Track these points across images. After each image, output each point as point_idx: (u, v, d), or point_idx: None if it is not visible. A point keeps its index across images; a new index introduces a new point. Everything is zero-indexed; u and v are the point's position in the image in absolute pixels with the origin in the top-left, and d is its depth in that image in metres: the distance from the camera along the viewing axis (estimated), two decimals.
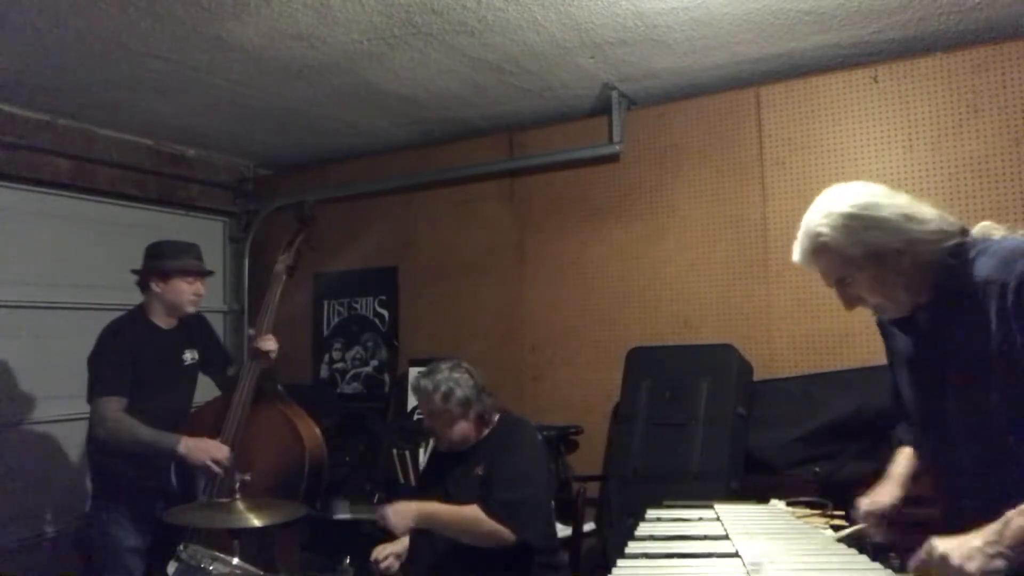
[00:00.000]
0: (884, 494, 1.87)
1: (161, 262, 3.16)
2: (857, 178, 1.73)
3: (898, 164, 3.52)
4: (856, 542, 1.80)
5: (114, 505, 3.08)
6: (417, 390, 2.74)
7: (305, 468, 3.01)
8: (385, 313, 4.98)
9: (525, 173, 4.53)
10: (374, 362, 4.99)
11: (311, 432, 3.12)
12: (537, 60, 3.62)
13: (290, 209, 4.41)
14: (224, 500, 2.52)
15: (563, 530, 3.06)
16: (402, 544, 2.76)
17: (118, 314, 3.23)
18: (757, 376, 3.70)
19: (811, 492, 2.37)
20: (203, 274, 3.27)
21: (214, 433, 3.02)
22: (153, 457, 3.01)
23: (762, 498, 2.26)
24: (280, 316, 3.24)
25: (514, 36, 3.35)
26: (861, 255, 1.57)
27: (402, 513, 2.58)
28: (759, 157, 3.85)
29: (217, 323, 4.77)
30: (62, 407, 4.15)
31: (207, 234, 5.21)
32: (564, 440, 4.12)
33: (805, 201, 1.69)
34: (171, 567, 2.30)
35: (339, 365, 5.11)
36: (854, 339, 3.51)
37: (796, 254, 1.69)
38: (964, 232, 1.57)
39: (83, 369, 3.06)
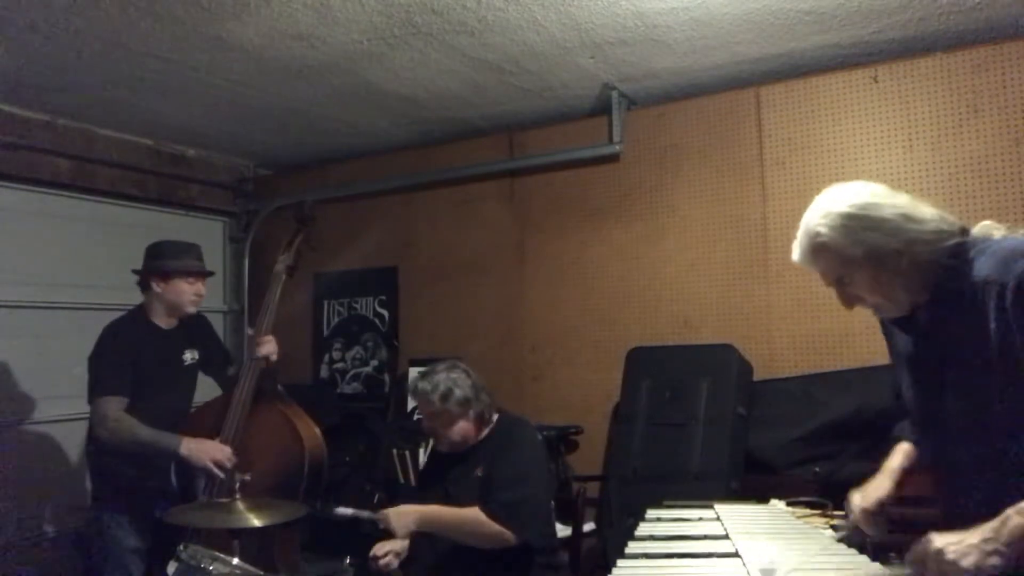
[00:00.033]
0: (875, 488, 1.87)
1: (162, 262, 3.16)
2: (857, 178, 1.73)
3: (898, 164, 3.52)
4: (856, 542, 1.80)
5: (114, 505, 3.07)
6: (416, 392, 2.75)
7: (305, 468, 3.00)
8: (385, 313, 4.98)
9: (525, 173, 4.53)
10: (374, 362, 4.99)
11: (311, 432, 3.12)
12: (537, 60, 3.62)
13: (290, 209, 4.41)
14: (224, 500, 2.51)
15: (563, 530, 3.06)
16: (401, 543, 2.75)
17: (118, 314, 3.23)
18: (757, 376, 3.70)
19: (811, 492, 2.37)
20: (204, 274, 3.27)
21: (214, 433, 3.02)
22: (154, 458, 3.01)
23: (762, 498, 2.26)
24: (280, 316, 3.24)
25: (514, 36, 3.35)
26: (860, 255, 1.57)
27: (404, 517, 2.58)
28: (759, 157, 3.85)
29: (217, 323, 4.77)
30: (62, 407, 4.15)
31: (207, 234, 5.21)
32: (564, 440, 4.12)
33: (805, 201, 1.69)
34: (171, 567, 2.30)
35: (339, 365, 5.11)
36: (854, 339, 3.51)
37: (795, 253, 1.69)
38: (964, 232, 1.57)
39: (83, 369, 3.06)
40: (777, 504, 2.19)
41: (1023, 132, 3.30)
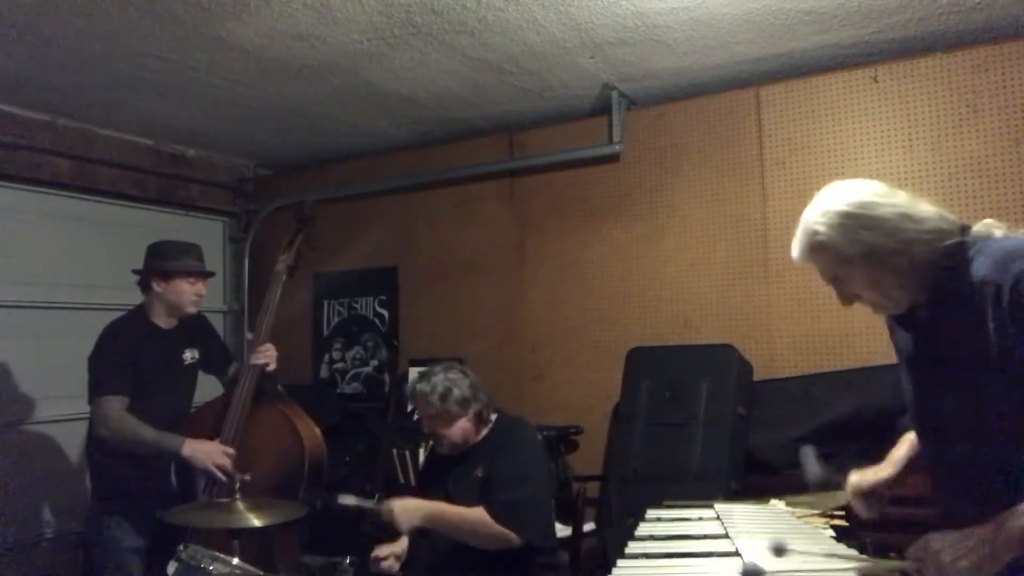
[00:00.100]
0: (875, 471, 1.88)
1: (163, 262, 3.16)
2: (857, 178, 1.73)
3: (898, 164, 3.52)
4: (856, 542, 1.80)
5: (114, 505, 3.07)
6: (414, 394, 2.73)
7: (305, 468, 3.00)
8: (385, 313, 4.98)
9: (525, 173, 4.54)
10: (374, 362, 4.99)
11: (311, 432, 3.12)
12: (537, 60, 3.62)
13: (290, 209, 4.42)
14: (224, 500, 2.51)
15: (563, 530, 3.06)
16: (401, 545, 2.75)
17: (118, 314, 3.23)
18: (757, 376, 3.70)
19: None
20: (204, 274, 3.27)
21: (214, 433, 3.02)
22: (155, 458, 3.01)
23: (762, 498, 2.25)
24: (280, 316, 3.24)
25: (514, 36, 3.35)
26: (857, 254, 1.58)
27: (409, 511, 2.57)
28: (759, 157, 3.85)
29: (217, 323, 4.77)
30: (62, 407, 4.15)
31: (207, 234, 5.21)
32: (564, 440, 4.12)
33: (805, 201, 1.70)
34: (171, 567, 2.30)
35: (339, 365, 5.11)
36: (854, 339, 3.51)
37: (795, 251, 1.70)
38: (964, 231, 1.56)
39: (83, 369, 3.06)
40: (777, 504, 2.19)
41: (1023, 132, 3.30)
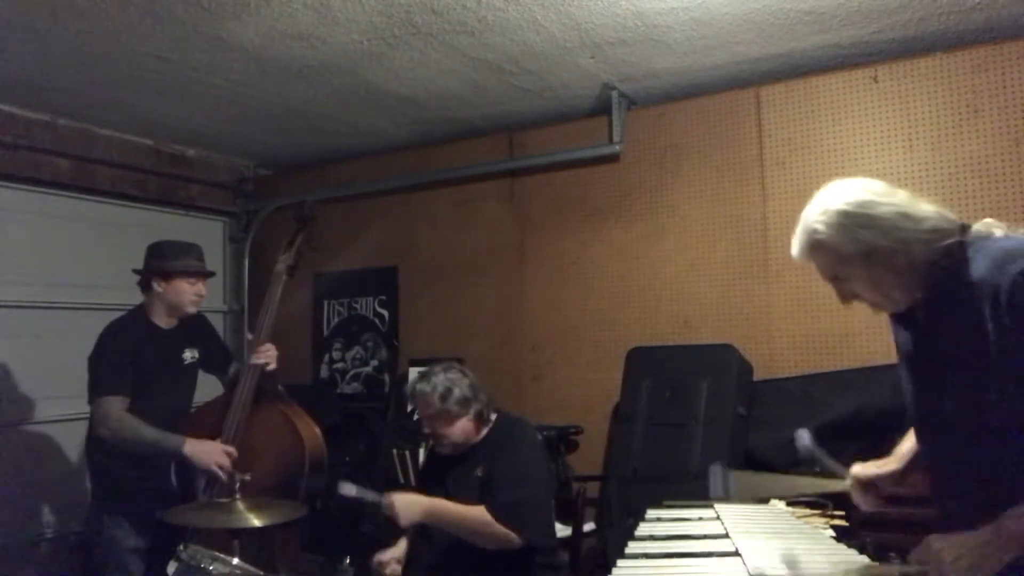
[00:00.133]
0: (877, 464, 1.88)
1: (163, 262, 3.16)
2: (857, 178, 1.73)
3: (898, 164, 3.52)
4: (856, 542, 1.80)
5: (114, 505, 3.07)
6: (414, 394, 2.73)
7: (305, 468, 3.00)
8: (385, 313, 4.98)
9: (525, 173, 4.54)
10: (374, 362, 4.99)
11: (311, 432, 3.11)
12: (537, 60, 3.62)
13: (290, 209, 4.41)
14: (224, 500, 2.51)
15: (563, 530, 3.05)
16: (401, 548, 2.76)
17: (118, 314, 3.23)
18: (757, 376, 3.70)
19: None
20: (205, 275, 3.26)
21: (214, 433, 3.01)
22: (155, 458, 3.01)
23: (762, 498, 2.25)
24: (280, 316, 3.24)
25: (514, 36, 3.35)
26: (855, 253, 1.58)
27: (410, 505, 2.57)
28: (759, 157, 3.85)
29: (217, 323, 4.77)
30: (62, 407, 4.15)
31: (207, 234, 5.21)
32: (564, 440, 4.12)
33: (805, 201, 1.70)
34: (171, 567, 2.30)
35: (339, 365, 5.11)
36: (854, 339, 3.51)
37: (794, 249, 1.70)
38: (964, 230, 1.56)
39: (83, 369, 3.06)
40: (777, 504, 2.19)
41: (1023, 132, 3.30)
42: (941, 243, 1.55)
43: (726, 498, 2.01)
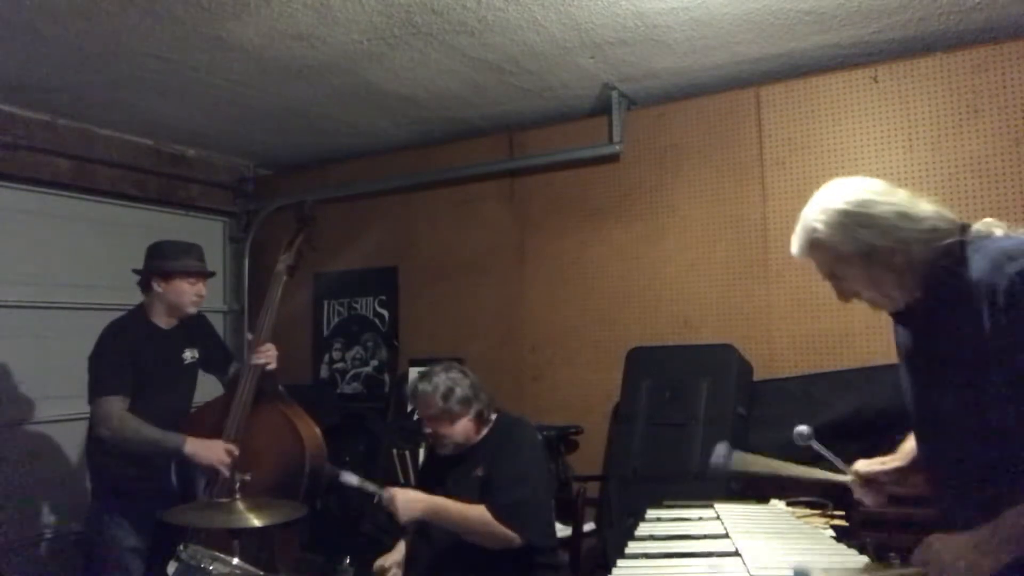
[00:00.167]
0: (882, 460, 1.88)
1: (163, 262, 3.16)
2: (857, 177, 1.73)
3: (898, 164, 3.52)
4: (856, 542, 1.80)
5: (114, 505, 3.07)
6: (415, 394, 2.73)
7: (306, 468, 3.00)
8: (385, 313, 4.98)
9: (525, 173, 4.54)
10: (374, 362, 4.99)
11: (311, 432, 3.11)
12: (537, 60, 3.62)
13: (290, 209, 4.42)
14: (224, 500, 2.51)
15: (563, 530, 3.06)
16: (401, 553, 2.76)
17: (118, 314, 3.23)
18: (757, 376, 3.70)
19: (811, 492, 2.37)
20: (205, 275, 3.27)
21: (214, 433, 3.01)
22: (157, 456, 3.01)
23: (762, 498, 2.26)
24: (280, 316, 3.24)
25: (514, 36, 3.35)
26: (854, 252, 1.59)
27: (411, 502, 2.57)
28: (759, 157, 3.85)
29: (217, 323, 4.77)
30: (62, 407, 4.15)
31: (207, 234, 5.21)
32: (564, 440, 4.12)
33: (805, 201, 1.70)
34: (171, 567, 2.30)
35: (339, 365, 5.11)
36: (854, 339, 3.51)
37: (794, 247, 1.71)
38: (963, 230, 1.57)
39: (83, 369, 3.06)
40: (777, 504, 2.19)
41: (1023, 132, 3.30)
42: (940, 243, 1.55)
43: (724, 468, 2.01)
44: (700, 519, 2.06)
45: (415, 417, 4.19)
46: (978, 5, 3.13)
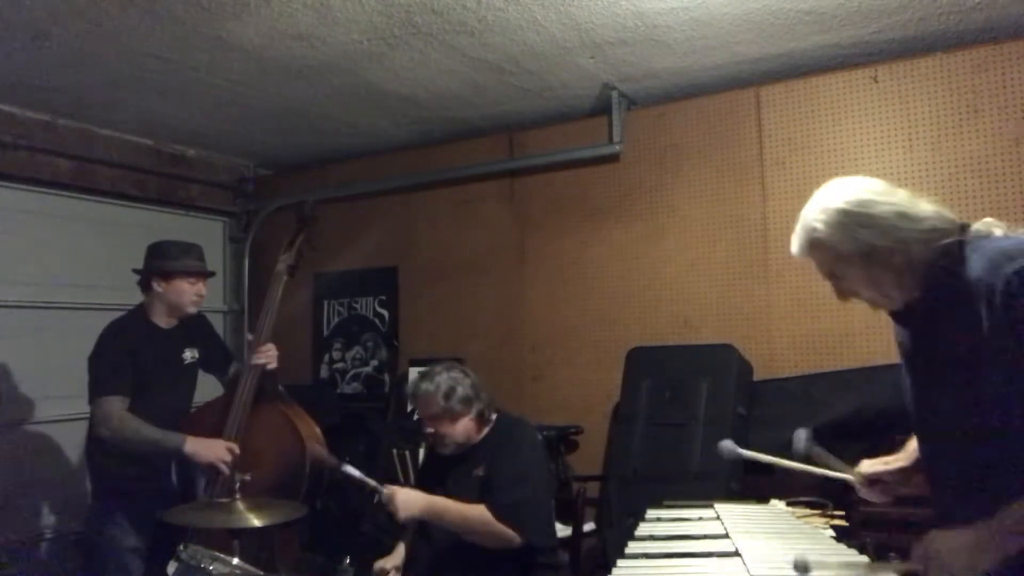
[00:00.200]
0: (886, 460, 1.88)
1: (163, 262, 3.16)
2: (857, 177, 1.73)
3: (898, 164, 3.52)
4: (856, 542, 1.80)
5: (114, 505, 3.07)
6: (417, 394, 2.72)
7: (306, 469, 3.00)
8: (385, 313, 4.98)
9: (525, 173, 4.54)
10: (374, 362, 4.99)
11: (312, 432, 3.11)
12: (537, 60, 3.62)
13: (290, 209, 4.42)
14: (224, 500, 2.51)
15: (563, 530, 3.06)
16: (400, 556, 2.75)
17: (118, 314, 3.23)
18: (757, 376, 3.70)
19: (811, 492, 2.37)
20: (205, 275, 3.26)
21: (215, 433, 3.01)
22: (157, 456, 3.01)
23: (762, 498, 2.26)
24: (280, 316, 3.24)
25: (514, 36, 3.35)
26: (854, 252, 1.59)
27: (410, 501, 2.56)
28: (759, 157, 3.85)
29: (217, 323, 4.77)
30: (62, 407, 4.15)
31: (207, 234, 5.21)
32: (564, 440, 4.12)
33: (805, 201, 1.70)
34: (171, 567, 2.30)
35: (339, 365, 5.11)
36: (854, 339, 3.51)
37: (793, 246, 1.72)
38: (963, 230, 1.57)
39: (83, 369, 3.06)
40: (777, 504, 2.19)
41: (1023, 132, 3.30)
42: (940, 243, 1.55)
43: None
44: (700, 519, 2.06)
45: (415, 417, 4.19)
46: (978, 5, 3.13)
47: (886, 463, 1.88)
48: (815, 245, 1.65)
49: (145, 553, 3.07)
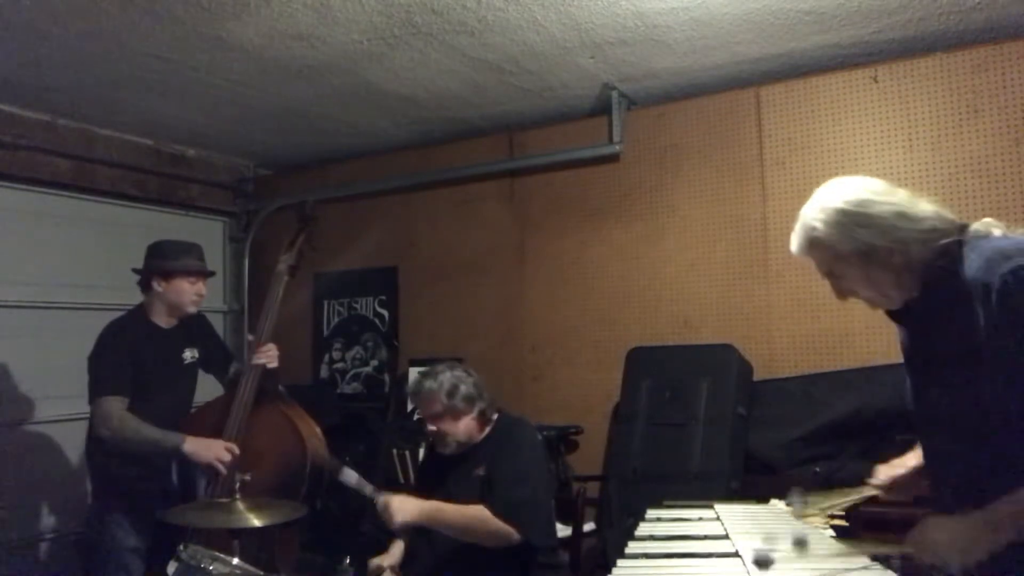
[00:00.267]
0: (902, 461, 1.88)
1: (163, 262, 3.16)
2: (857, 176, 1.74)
3: (898, 164, 3.52)
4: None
5: (114, 505, 3.07)
6: (420, 392, 2.72)
7: (307, 469, 3.00)
8: (385, 313, 4.98)
9: (525, 173, 4.54)
10: (374, 362, 4.99)
11: (312, 432, 3.11)
12: (537, 60, 3.62)
13: (291, 209, 4.42)
14: (224, 500, 2.51)
15: (563, 530, 3.05)
16: (396, 555, 2.75)
17: (118, 314, 3.23)
18: (757, 376, 3.70)
19: (800, 489, 2.37)
20: (205, 274, 3.26)
21: (215, 433, 3.01)
22: (156, 456, 3.01)
23: (762, 498, 2.25)
24: (280, 316, 3.24)
25: (514, 36, 3.35)
26: (853, 251, 1.59)
27: (404, 508, 2.56)
28: (759, 157, 3.85)
29: (217, 323, 4.77)
30: (62, 407, 4.15)
31: (207, 234, 5.21)
32: (564, 440, 4.12)
33: (805, 201, 1.71)
34: (171, 567, 2.30)
35: (339, 365, 5.11)
36: (854, 339, 3.51)
37: (793, 245, 1.72)
38: (962, 230, 1.57)
39: (83, 369, 3.06)
40: (777, 504, 2.19)
41: (1023, 132, 3.30)
42: (938, 243, 1.55)
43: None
44: (700, 519, 2.06)
45: (416, 416, 4.19)
46: (978, 5, 3.13)
47: (903, 465, 1.88)
48: (814, 244, 1.65)
49: (145, 553, 3.07)
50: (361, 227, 5.02)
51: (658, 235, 4.09)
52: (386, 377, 4.91)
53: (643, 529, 2.00)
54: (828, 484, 2.17)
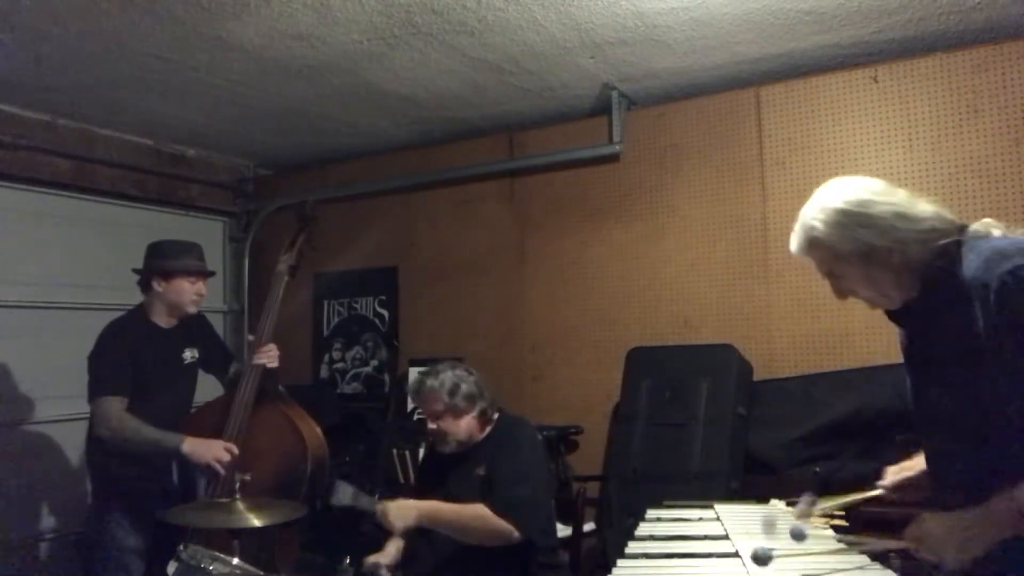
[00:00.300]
0: (909, 464, 1.88)
1: (163, 261, 3.16)
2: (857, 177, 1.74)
3: (898, 164, 3.52)
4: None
5: (114, 505, 3.07)
6: (421, 390, 2.72)
7: (308, 470, 3.00)
8: (385, 313, 4.98)
9: (525, 173, 4.54)
10: (374, 362, 4.99)
11: (313, 433, 3.11)
12: (537, 60, 3.62)
13: (290, 209, 4.42)
14: (224, 500, 2.51)
15: (563, 530, 3.05)
16: (391, 555, 2.75)
17: (118, 314, 3.23)
18: (757, 376, 3.70)
19: (811, 492, 2.37)
20: (205, 274, 3.27)
21: (215, 433, 3.01)
22: (156, 456, 3.01)
23: (762, 498, 2.25)
24: (280, 316, 3.24)
25: (514, 36, 3.35)
26: (852, 251, 1.60)
27: (403, 511, 2.57)
28: (759, 157, 3.85)
29: (217, 323, 4.77)
30: (62, 407, 4.15)
31: (207, 234, 5.21)
32: (564, 440, 4.12)
33: (805, 201, 1.71)
34: (171, 567, 2.30)
35: (339, 365, 5.11)
36: (854, 339, 3.51)
37: (792, 244, 1.72)
38: (962, 230, 1.57)
39: (83, 369, 3.06)
40: (777, 504, 2.19)
41: (1023, 132, 3.30)
42: (938, 243, 1.55)
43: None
44: (700, 519, 2.06)
45: (416, 417, 4.19)
46: (978, 5, 3.13)
47: (911, 467, 1.88)
48: (814, 244, 1.65)
49: (145, 553, 3.07)
50: (361, 227, 5.02)
51: (658, 235, 4.09)
52: (386, 377, 4.91)
53: (643, 529, 2.00)
54: (828, 484, 2.17)
